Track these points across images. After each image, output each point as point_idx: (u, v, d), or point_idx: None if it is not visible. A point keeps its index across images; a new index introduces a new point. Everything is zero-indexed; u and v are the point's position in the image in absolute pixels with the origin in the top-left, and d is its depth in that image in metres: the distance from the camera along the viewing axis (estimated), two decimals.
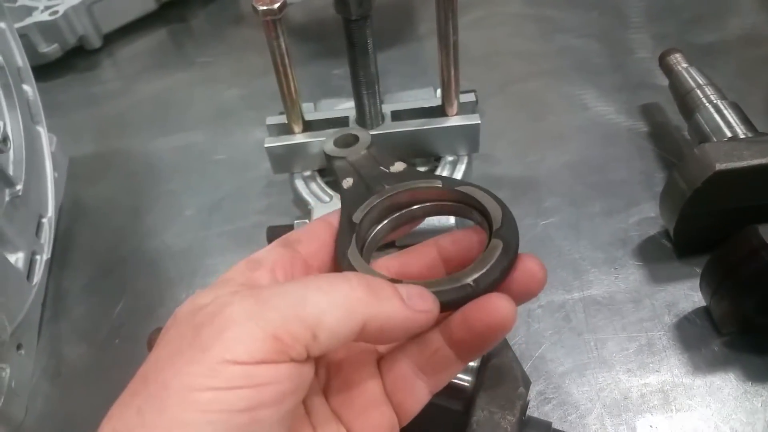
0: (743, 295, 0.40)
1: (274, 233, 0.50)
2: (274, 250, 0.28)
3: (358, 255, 0.28)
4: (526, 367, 0.43)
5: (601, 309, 0.47)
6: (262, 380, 0.21)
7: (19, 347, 0.47)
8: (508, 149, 0.61)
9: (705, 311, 0.45)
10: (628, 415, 0.41)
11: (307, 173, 0.53)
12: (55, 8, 0.79)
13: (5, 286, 0.45)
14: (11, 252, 0.49)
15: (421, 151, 0.52)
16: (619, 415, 0.41)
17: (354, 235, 0.29)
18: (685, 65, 0.57)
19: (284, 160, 0.52)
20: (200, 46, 0.87)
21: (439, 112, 0.51)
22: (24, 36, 0.73)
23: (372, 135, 0.35)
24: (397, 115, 0.52)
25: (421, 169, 0.53)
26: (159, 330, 0.28)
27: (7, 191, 0.50)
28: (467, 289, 0.25)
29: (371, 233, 0.31)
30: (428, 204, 0.31)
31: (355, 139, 0.35)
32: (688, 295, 0.46)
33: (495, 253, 0.26)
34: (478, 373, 0.35)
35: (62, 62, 0.82)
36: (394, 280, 0.25)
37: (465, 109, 0.52)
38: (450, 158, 0.52)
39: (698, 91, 0.53)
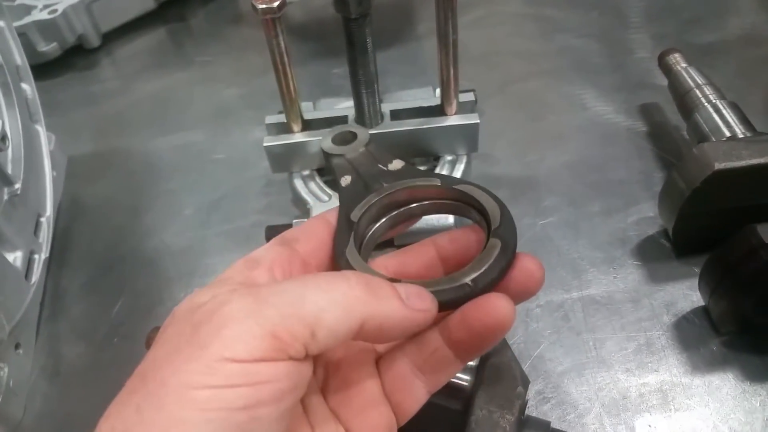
0: (742, 294, 0.40)
1: (272, 232, 0.50)
2: (272, 249, 0.28)
3: (356, 253, 0.28)
4: (525, 367, 0.43)
5: (600, 308, 0.47)
6: (260, 378, 0.21)
7: (17, 346, 0.47)
8: (507, 149, 0.61)
9: (704, 311, 0.45)
10: (627, 415, 0.41)
11: (306, 172, 0.53)
12: (54, 7, 0.78)
13: (3, 285, 0.45)
14: (9, 251, 0.49)
15: (421, 151, 0.52)
16: (617, 415, 0.41)
17: (352, 234, 0.29)
18: (684, 65, 0.57)
19: (283, 160, 0.52)
20: (199, 45, 0.86)
21: (439, 111, 0.51)
22: (23, 35, 0.73)
23: (371, 134, 0.35)
24: (396, 115, 0.52)
25: (420, 168, 0.53)
26: (157, 329, 0.28)
27: (5, 190, 0.50)
28: (465, 289, 0.25)
29: (369, 231, 0.31)
30: (426, 202, 0.31)
31: (353, 136, 0.35)
32: (687, 294, 0.46)
33: (493, 252, 0.26)
34: (477, 372, 0.35)
35: (61, 61, 0.82)
36: (392, 280, 0.25)
37: (464, 108, 0.52)
38: (449, 158, 0.52)
39: (697, 91, 0.53)
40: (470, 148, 0.52)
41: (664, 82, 0.59)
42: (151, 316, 0.51)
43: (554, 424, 0.36)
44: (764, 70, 0.67)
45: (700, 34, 0.73)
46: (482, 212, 0.29)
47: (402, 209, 0.31)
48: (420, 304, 0.25)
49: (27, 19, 0.77)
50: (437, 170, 0.52)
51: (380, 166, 0.32)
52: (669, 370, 0.42)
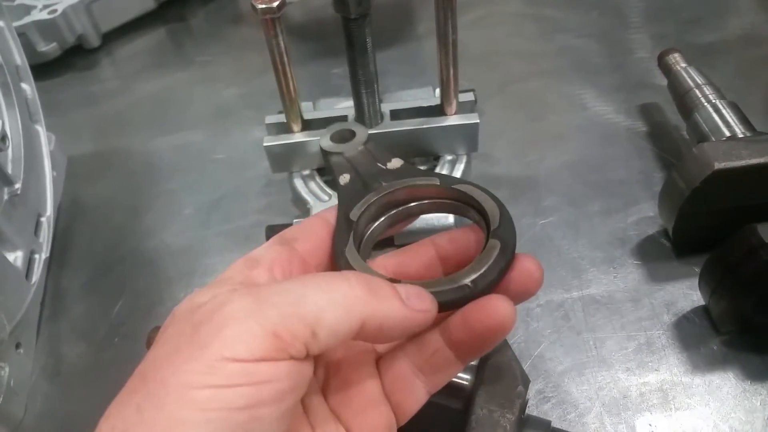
0: (742, 294, 0.40)
1: (272, 232, 0.50)
2: (271, 248, 0.28)
3: (355, 253, 0.28)
4: (525, 366, 0.43)
5: (600, 308, 0.47)
6: (261, 378, 0.21)
7: (18, 346, 0.47)
8: (507, 149, 0.61)
9: (704, 310, 0.45)
10: (627, 414, 0.41)
11: (306, 172, 0.53)
12: (53, 7, 0.78)
13: (4, 285, 0.45)
14: (10, 251, 0.49)
15: (420, 151, 0.52)
16: (618, 414, 0.41)
17: (351, 233, 0.29)
18: (683, 65, 0.57)
19: (283, 159, 0.52)
20: (199, 45, 0.86)
21: (438, 111, 0.51)
22: (23, 35, 0.73)
23: (371, 134, 0.35)
24: (396, 114, 0.52)
25: (420, 167, 0.53)
26: (158, 328, 0.28)
27: (5, 190, 0.50)
28: (465, 290, 0.25)
29: (368, 230, 0.30)
30: (425, 201, 0.31)
31: (352, 134, 0.34)
32: (687, 294, 0.46)
33: (493, 253, 0.26)
34: (478, 372, 0.35)
35: (61, 61, 0.82)
36: (392, 280, 0.25)
37: (464, 108, 0.52)
38: (449, 157, 0.52)
39: (697, 91, 0.53)
40: (470, 148, 0.52)
41: (664, 82, 0.59)
42: (151, 316, 0.51)
43: (555, 424, 0.36)
44: (764, 70, 0.67)
45: (700, 34, 0.73)
46: (481, 212, 0.29)
47: (401, 208, 0.31)
48: (420, 304, 0.25)
49: (27, 19, 0.77)
50: (437, 170, 0.52)
51: (379, 164, 0.32)
52: (669, 369, 0.42)
